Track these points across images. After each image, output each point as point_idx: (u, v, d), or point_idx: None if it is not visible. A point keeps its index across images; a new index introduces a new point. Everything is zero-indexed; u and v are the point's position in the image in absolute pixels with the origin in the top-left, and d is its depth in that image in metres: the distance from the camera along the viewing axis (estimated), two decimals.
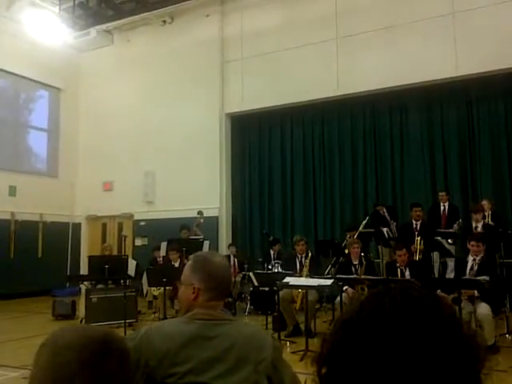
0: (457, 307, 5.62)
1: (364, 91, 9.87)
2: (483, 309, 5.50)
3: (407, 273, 6.24)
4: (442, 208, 8.55)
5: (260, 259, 9.54)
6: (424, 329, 0.69)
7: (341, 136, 10.77)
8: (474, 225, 7.17)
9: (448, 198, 8.64)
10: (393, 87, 9.58)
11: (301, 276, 6.80)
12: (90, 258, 8.75)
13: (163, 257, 9.24)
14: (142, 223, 11.91)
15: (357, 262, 6.85)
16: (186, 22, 11.80)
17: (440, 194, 8.72)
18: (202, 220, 9.97)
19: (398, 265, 6.33)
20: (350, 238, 8.27)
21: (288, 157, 11.31)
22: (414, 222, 8.24)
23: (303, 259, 7.19)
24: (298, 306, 6.71)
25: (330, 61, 10.15)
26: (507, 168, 9.20)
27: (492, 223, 7.66)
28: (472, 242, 5.80)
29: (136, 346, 1.61)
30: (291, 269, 7.09)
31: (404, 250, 6.39)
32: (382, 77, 9.51)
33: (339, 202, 10.68)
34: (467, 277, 5.58)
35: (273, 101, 10.71)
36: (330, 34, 10.20)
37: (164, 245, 8.50)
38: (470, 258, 5.78)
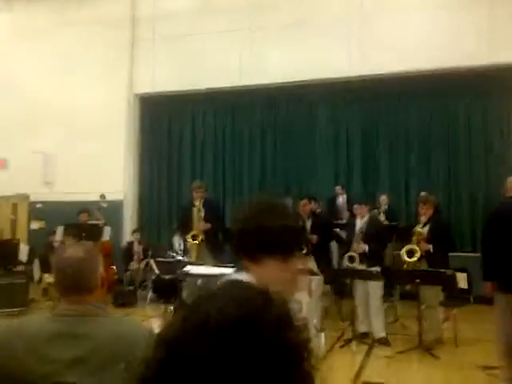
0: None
1: (269, 84, 9.94)
2: (374, 300, 5.97)
3: (309, 223, 6.41)
4: (338, 201, 9.01)
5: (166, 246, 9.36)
6: (242, 341, 0.67)
7: (251, 125, 10.83)
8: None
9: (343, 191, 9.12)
10: (298, 81, 9.71)
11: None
12: None
13: (61, 242, 8.74)
14: (39, 205, 11.16)
15: None
16: None
17: (336, 187, 9.17)
18: (104, 204, 9.56)
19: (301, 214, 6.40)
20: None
21: (198, 143, 11.17)
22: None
23: (201, 206, 7.00)
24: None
25: (239, 50, 10.10)
26: (403, 165, 9.83)
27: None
28: (355, 205, 6.64)
29: None
30: (188, 220, 6.88)
31: (307, 200, 6.56)
32: (288, 70, 9.63)
33: (248, 191, 10.77)
34: (357, 240, 6.15)
35: (183, 85, 10.44)
36: (242, 24, 10.14)
37: (60, 229, 8.05)
38: (358, 220, 6.35)
